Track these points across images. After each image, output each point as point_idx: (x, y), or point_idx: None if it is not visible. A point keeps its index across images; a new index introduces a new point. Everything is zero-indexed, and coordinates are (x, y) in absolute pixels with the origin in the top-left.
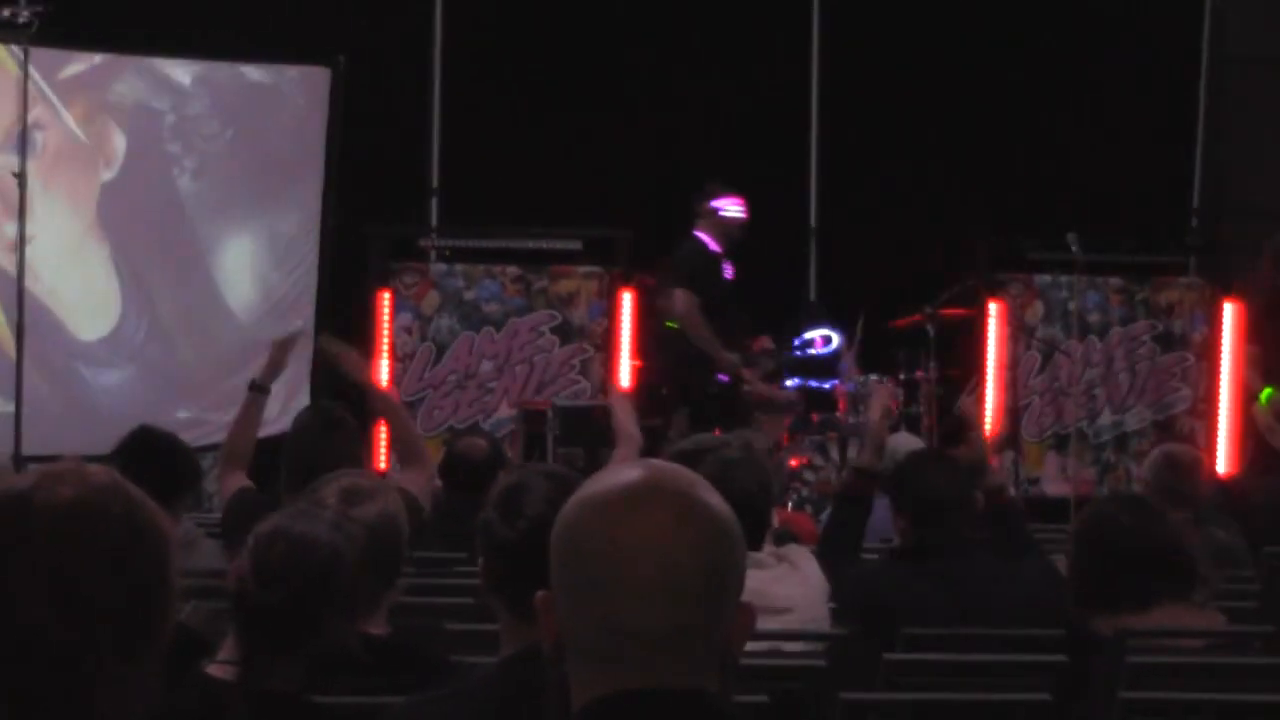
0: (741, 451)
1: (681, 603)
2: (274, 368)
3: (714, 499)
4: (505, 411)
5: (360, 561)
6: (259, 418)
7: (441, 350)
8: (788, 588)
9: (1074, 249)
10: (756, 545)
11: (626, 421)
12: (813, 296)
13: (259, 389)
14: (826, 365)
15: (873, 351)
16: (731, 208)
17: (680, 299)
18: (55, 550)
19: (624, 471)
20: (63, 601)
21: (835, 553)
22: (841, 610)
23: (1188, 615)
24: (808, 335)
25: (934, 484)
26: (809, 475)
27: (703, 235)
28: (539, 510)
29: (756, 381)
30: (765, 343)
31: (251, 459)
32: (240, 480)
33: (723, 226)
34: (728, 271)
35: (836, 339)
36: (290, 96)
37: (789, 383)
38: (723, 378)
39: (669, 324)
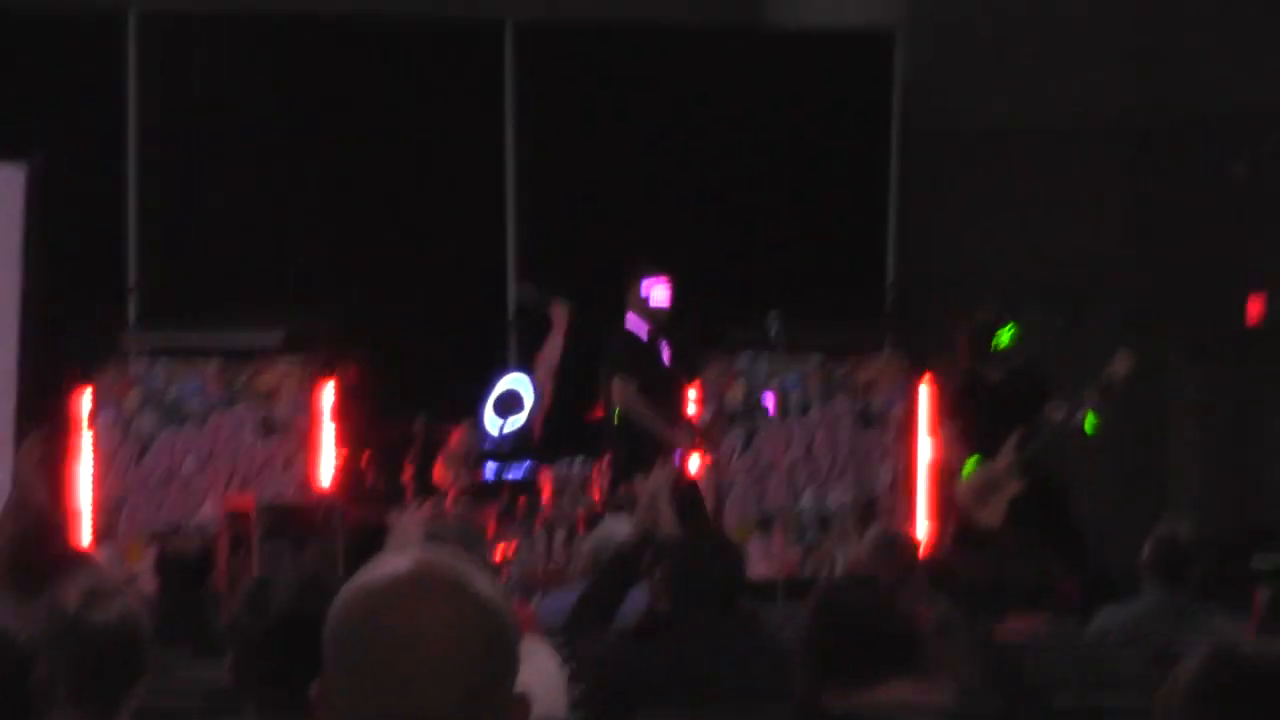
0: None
1: (454, 691)
2: None
3: (484, 588)
4: (210, 510)
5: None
6: None
7: (144, 448)
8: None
9: (773, 329)
10: None
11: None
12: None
13: None
14: (524, 449)
15: (571, 433)
16: (657, 292)
17: (618, 389)
18: None
19: (396, 561)
20: None
21: (586, 624)
22: (582, 695)
23: (915, 688)
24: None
25: (709, 561)
26: (514, 564)
27: (633, 323)
28: (287, 605)
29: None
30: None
31: None
32: None
33: (649, 312)
34: (664, 354)
35: (525, 414)
36: None
37: (490, 469)
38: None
39: (615, 418)
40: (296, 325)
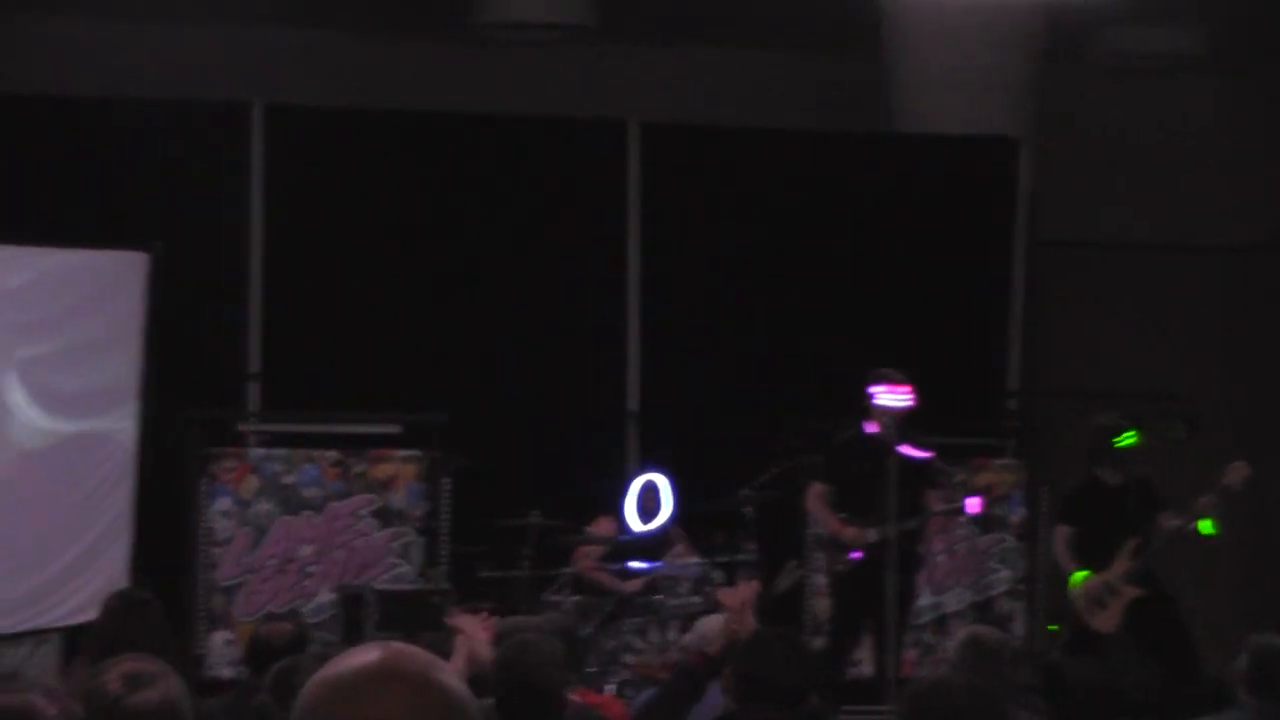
0: (535, 634)
1: None
2: None
3: (451, 681)
4: (325, 595)
5: None
6: None
7: (261, 534)
8: None
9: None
10: None
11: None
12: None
13: None
14: (651, 548)
15: (690, 534)
16: (886, 396)
17: (809, 490)
18: None
19: (361, 654)
20: None
21: None
22: None
23: None
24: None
25: (773, 664)
26: (629, 658)
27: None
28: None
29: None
30: (607, 525)
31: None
32: None
33: (880, 413)
34: (901, 452)
35: (665, 516)
36: (108, 282)
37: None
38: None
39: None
40: (415, 416)
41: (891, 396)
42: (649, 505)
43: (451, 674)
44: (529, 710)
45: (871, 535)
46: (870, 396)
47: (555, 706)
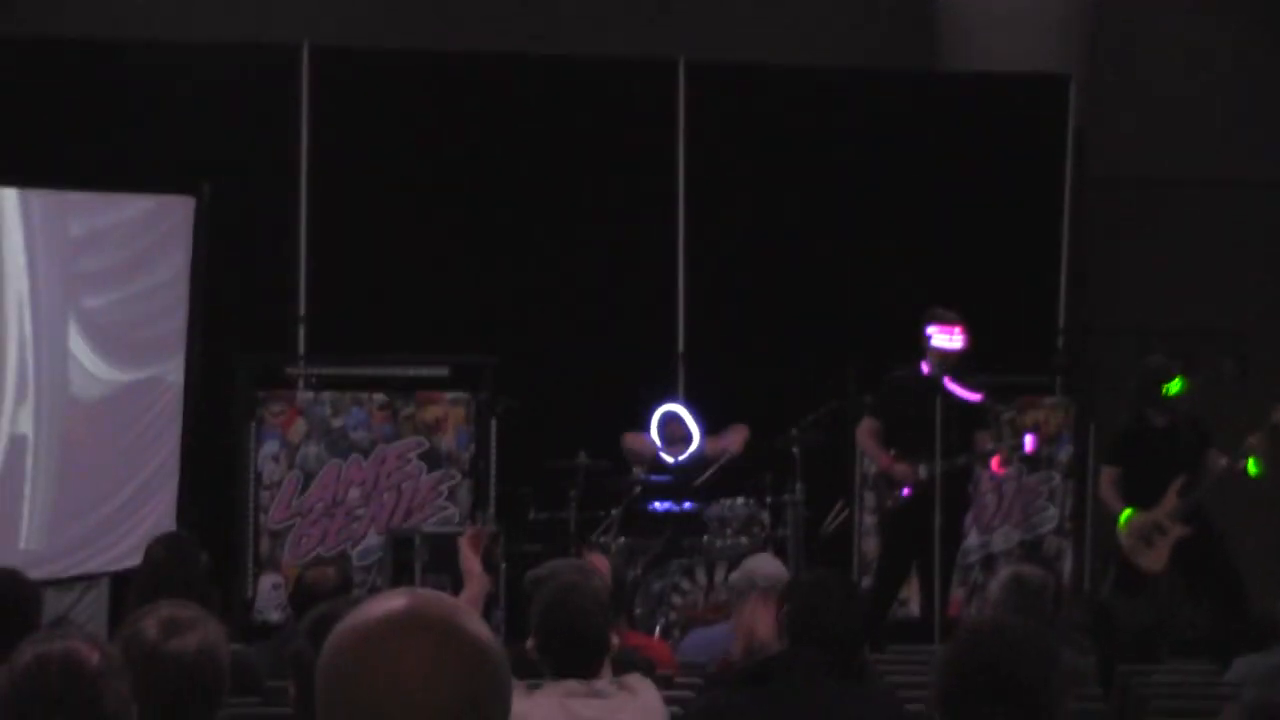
0: (579, 576)
1: None
2: None
3: (476, 627)
4: (373, 539)
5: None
6: None
7: (309, 478)
8: (626, 716)
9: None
10: (593, 671)
11: (470, 562)
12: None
13: None
14: (688, 488)
15: (738, 473)
16: (939, 336)
17: (860, 427)
18: None
19: (387, 600)
20: None
21: None
22: None
23: None
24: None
25: (828, 609)
26: (676, 599)
27: (923, 365)
28: None
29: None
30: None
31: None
32: None
33: (929, 353)
34: (955, 392)
35: (695, 442)
36: (162, 228)
37: (657, 505)
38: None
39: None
40: (462, 359)
41: (945, 337)
42: (675, 434)
43: (478, 621)
44: (571, 653)
45: (922, 472)
46: (926, 337)
47: (598, 649)
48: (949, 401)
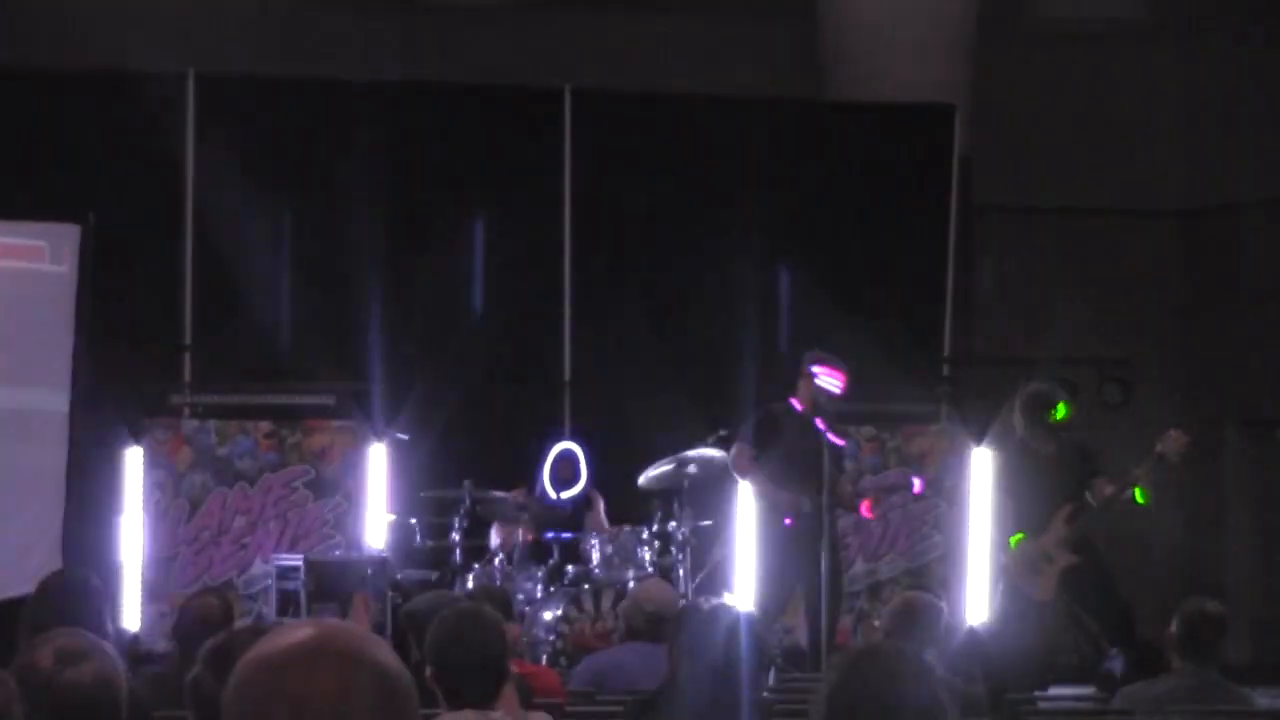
0: (475, 607)
1: None
2: None
3: (385, 656)
4: (260, 567)
5: None
6: None
7: (195, 506)
8: None
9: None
10: (493, 699)
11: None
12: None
13: None
14: (573, 517)
15: (626, 503)
16: (824, 377)
17: (732, 453)
18: None
19: (295, 630)
20: None
21: None
22: None
23: None
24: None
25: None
26: (563, 628)
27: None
28: None
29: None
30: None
31: None
32: None
33: (813, 390)
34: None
35: (581, 484)
36: (43, 254)
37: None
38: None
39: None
40: (349, 386)
41: (829, 379)
42: (565, 474)
43: (386, 650)
44: (473, 680)
45: (806, 504)
46: (812, 375)
47: (498, 677)
48: (823, 440)
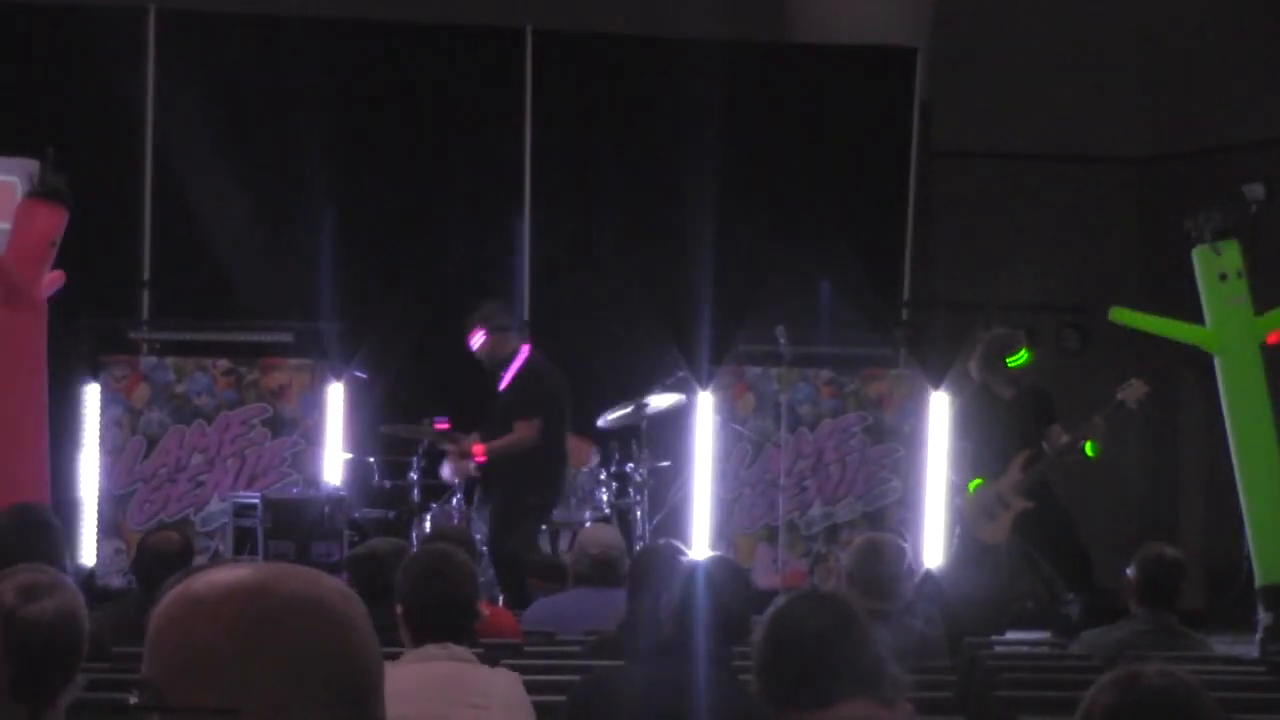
0: (446, 548)
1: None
2: None
3: (330, 594)
4: (217, 505)
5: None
6: None
7: (152, 443)
8: (482, 674)
9: (781, 342)
10: (461, 639)
11: None
12: None
13: None
14: None
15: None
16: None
17: None
18: None
19: (231, 569)
20: None
21: None
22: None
23: (871, 710)
24: None
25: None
26: None
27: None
28: None
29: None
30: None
31: None
32: None
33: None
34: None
35: None
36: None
37: None
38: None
39: None
40: (306, 324)
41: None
42: None
43: (336, 587)
44: (442, 621)
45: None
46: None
47: (467, 617)
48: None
